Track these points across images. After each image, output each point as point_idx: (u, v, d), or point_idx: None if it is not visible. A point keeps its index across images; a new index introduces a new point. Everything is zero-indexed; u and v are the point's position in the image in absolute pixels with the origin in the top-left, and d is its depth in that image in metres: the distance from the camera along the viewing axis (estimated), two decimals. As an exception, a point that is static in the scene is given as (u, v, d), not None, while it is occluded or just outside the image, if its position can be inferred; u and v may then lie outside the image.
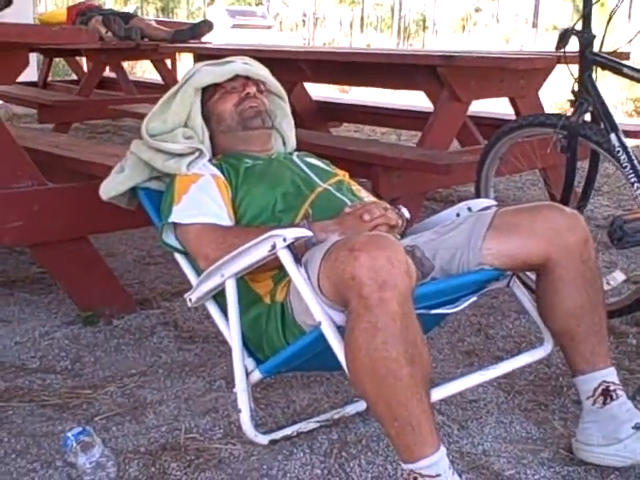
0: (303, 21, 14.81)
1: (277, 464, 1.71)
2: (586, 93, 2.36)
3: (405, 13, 14.96)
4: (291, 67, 4.18)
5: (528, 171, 3.57)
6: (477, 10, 13.48)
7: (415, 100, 5.96)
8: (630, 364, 2.19)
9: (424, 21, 14.38)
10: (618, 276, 2.36)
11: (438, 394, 1.67)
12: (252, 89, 2.09)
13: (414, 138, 4.86)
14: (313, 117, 4.86)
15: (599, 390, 1.70)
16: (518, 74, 3.54)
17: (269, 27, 12.70)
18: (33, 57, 7.37)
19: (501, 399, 2.01)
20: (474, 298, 1.78)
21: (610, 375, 1.72)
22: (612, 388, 1.70)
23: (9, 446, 1.77)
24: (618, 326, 2.45)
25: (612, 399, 1.69)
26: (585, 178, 2.56)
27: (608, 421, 1.68)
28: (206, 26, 5.92)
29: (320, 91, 6.60)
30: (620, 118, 7.54)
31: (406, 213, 1.93)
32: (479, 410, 1.96)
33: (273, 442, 1.78)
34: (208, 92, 2.11)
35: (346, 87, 9.31)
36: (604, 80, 7.07)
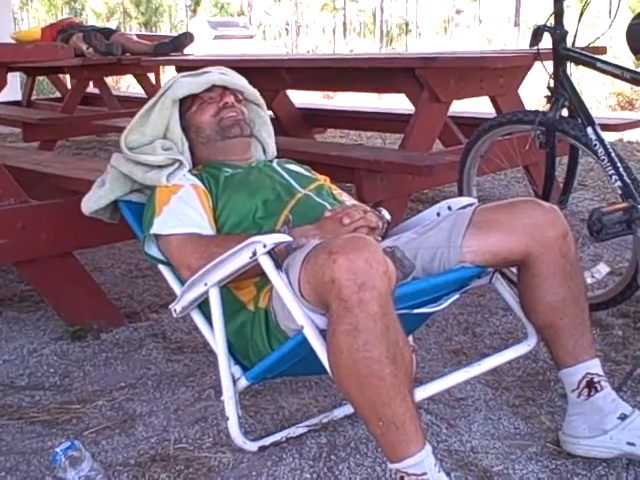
0: (286, 29, 14.87)
1: (266, 470, 1.71)
2: (562, 88, 2.38)
3: (387, 18, 15.02)
4: (272, 76, 4.20)
5: (512, 169, 3.59)
6: (458, 12, 13.55)
7: (401, 103, 5.98)
8: (616, 355, 2.21)
9: (406, 25, 14.44)
10: (602, 269, 2.39)
11: (424, 392, 1.67)
12: (230, 99, 2.10)
13: (399, 141, 4.88)
14: (297, 124, 4.87)
15: (583, 382, 1.71)
16: (497, 73, 3.57)
17: (251, 37, 12.73)
18: (16, 76, 7.38)
19: (489, 396, 2.02)
20: (456, 296, 1.80)
21: (594, 367, 1.73)
22: (596, 380, 1.71)
23: (-2, 464, 1.77)
24: (604, 318, 2.46)
25: (597, 391, 1.70)
26: (566, 172, 2.58)
27: (593, 413, 1.69)
28: (187, 38, 5.92)
29: (304, 98, 6.62)
30: (604, 112, 7.59)
31: (386, 215, 1.93)
32: (467, 408, 1.96)
33: (262, 449, 1.78)
34: (186, 103, 2.11)
35: (330, 93, 9.34)
36: (586, 76, 7.13)
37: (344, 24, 14.63)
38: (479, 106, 4.90)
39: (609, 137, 2.42)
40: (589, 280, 2.38)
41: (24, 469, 1.75)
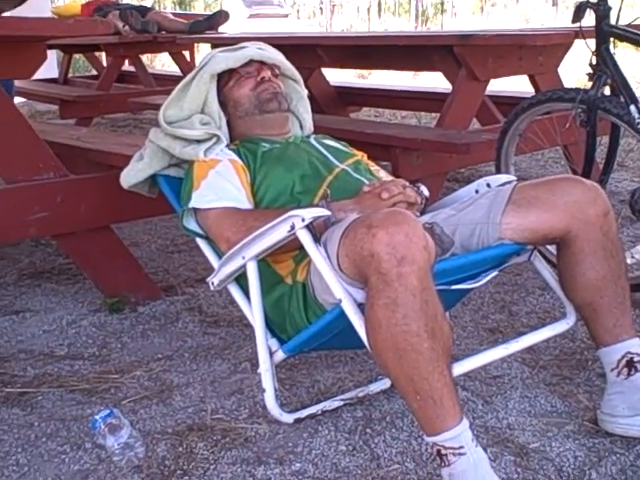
0: (320, 9, 14.77)
1: (302, 442, 1.73)
2: (604, 66, 2.34)
3: (423, -3, 14.85)
4: (308, 53, 4.18)
5: (550, 148, 3.55)
6: (495, -9, 13.37)
7: (435, 82, 5.93)
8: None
9: (442, 4, 14.27)
10: (643, 249, 2.35)
11: (461, 368, 1.67)
12: (267, 73, 2.10)
13: (434, 121, 4.84)
14: (332, 102, 4.85)
15: (623, 361, 1.69)
16: (536, 51, 3.52)
17: (286, 16, 12.67)
18: (53, 54, 7.44)
19: (525, 374, 2.01)
20: (495, 273, 1.78)
21: (634, 346, 1.71)
22: (636, 359, 1.69)
23: (39, 430, 1.80)
24: (642, 300, 2.43)
25: (637, 370, 1.68)
26: (606, 152, 2.54)
27: (633, 392, 1.67)
28: (222, 16, 5.92)
29: (339, 77, 6.59)
30: None
31: (425, 191, 1.92)
32: (503, 385, 1.96)
33: (298, 421, 1.80)
34: (223, 78, 2.12)
35: (365, 72, 9.29)
36: (630, 54, 6.99)
37: (379, 3, 14.50)
38: (518, 85, 4.84)
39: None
40: (629, 261, 2.36)
41: (64, 435, 1.78)
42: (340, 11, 14.61)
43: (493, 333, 2.27)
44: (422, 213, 1.92)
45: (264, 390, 1.76)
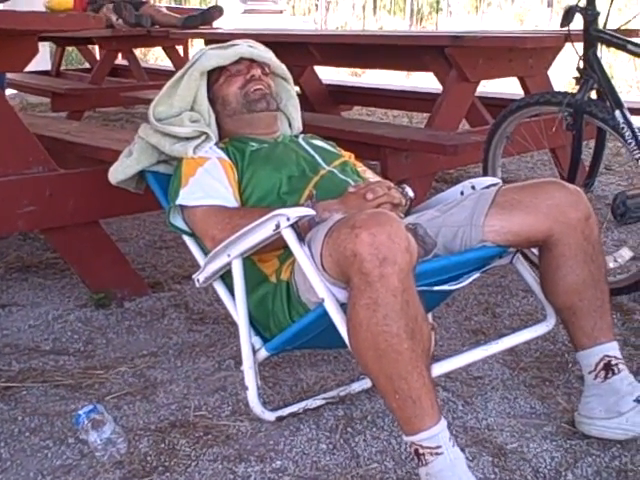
0: (315, 5, 14.75)
1: (283, 440, 1.74)
2: (591, 70, 2.36)
3: (418, -5, 14.85)
4: (300, 51, 4.19)
5: (538, 151, 3.57)
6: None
7: (428, 83, 5.94)
8: (636, 340, 2.21)
9: (437, 3, 14.27)
10: (625, 253, 2.37)
11: (441, 369, 1.70)
12: (257, 71, 2.11)
13: (426, 121, 4.86)
14: (324, 101, 4.87)
15: (601, 364, 1.72)
16: (526, 53, 3.54)
17: (281, 12, 12.66)
18: (45, 46, 7.42)
19: (506, 375, 2.03)
20: (477, 275, 1.80)
21: (612, 349, 1.73)
22: (614, 362, 1.71)
23: (23, 424, 1.81)
24: (625, 303, 2.46)
25: (614, 373, 1.71)
26: (592, 155, 2.56)
27: (610, 395, 1.70)
28: (217, 11, 5.92)
29: (332, 75, 6.59)
30: (635, 97, 7.48)
31: (410, 192, 1.94)
32: (484, 386, 1.98)
33: (280, 419, 1.81)
34: (214, 75, 2.13)
35: (358, 71, 9.29)
36: (618, 59, 7.03)
37: (374, 1, 14.49)
38: (508, 87, 4.86)
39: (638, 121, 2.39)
40: (612, 264, 2.37)
41: (48, 430, 1.79)
42: (335, 8, 14.60)
43: (476, 334, 2.29)
44: (407, 214, 1.94)
45: (247, 388, 1.78)
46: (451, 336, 2.28)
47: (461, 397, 1.92)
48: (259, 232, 1.67)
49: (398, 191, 1.87)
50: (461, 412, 1.85)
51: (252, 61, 2.13)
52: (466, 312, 2.45)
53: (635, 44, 2.25)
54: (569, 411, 1.84)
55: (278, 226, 1.62)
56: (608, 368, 1.71)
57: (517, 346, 2.07)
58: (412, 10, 13.90)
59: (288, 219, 1.61)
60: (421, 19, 14.13)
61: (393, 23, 13.82)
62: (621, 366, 1.72)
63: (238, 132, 2.10)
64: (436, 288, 1.71)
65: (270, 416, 1.81)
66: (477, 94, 3.80)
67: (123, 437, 1.70)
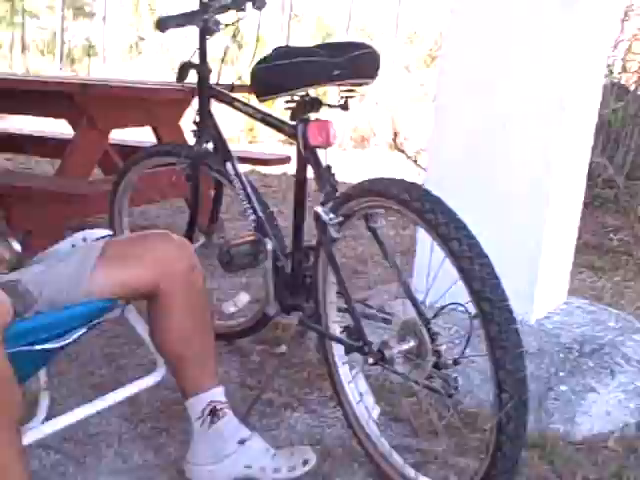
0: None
1: None
2: (205, 123, 2.46)
3: (71, 38, 14.51)
4: None
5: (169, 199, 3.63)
6: (141, 39, 13.54)
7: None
8: (251, 381, 2.31)
9: (90, 47, 14.07)
10: (243, 297, 2.48)
11: (46, 429, 1.62)
12: None
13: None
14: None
15: (207, 410, 1.77)
16: (158, 104, 3.62)
17: None
18: None
19: (123, 429, 2.00)
20: (83, 330, 1.75)
21: (217, 395, 1.79)
22: (219, 407, 1.77)
23: None
24: (245, 345, 2.57)
25: (219, 418, 1.76)
26: (212, 205, 2.66)
27: (216, 439, 1.75)
28: None
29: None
30: (244, 146, 7.85)
31: (16, 246, 1.84)
32: (99, 443, 1.93)
33: None
34: None
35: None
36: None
37: (22, 41, 13.85)
38: (148, 135, 4.91)
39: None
40: (232, 309, 2.46)
41: None
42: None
43: (97, 389, 2.22)
44: (16, 269, 1.83)
45: None
46: (71, 394, 2.19)
47: (73, 458, 1.85)
48: None
49: (2, 246, 1.76)
50: (72, 475, 1.78)
51: None
52: (90, 366, 2.38)
53: (240, 101, 2.37)
54: (181, 459, 1.86)
55: None
56: (214, 413, 1.77)
57: (138, 397, 2.06)
58: (61, 53, 13.55)
59: None
60: (72, 62, 13.81)
61: (43, 65, 13.32)
62: (227, 410, 1.78)
63: None
64: (37, 347, 1.63)
65: None
66: (115, 141, 3.79)
67: None
